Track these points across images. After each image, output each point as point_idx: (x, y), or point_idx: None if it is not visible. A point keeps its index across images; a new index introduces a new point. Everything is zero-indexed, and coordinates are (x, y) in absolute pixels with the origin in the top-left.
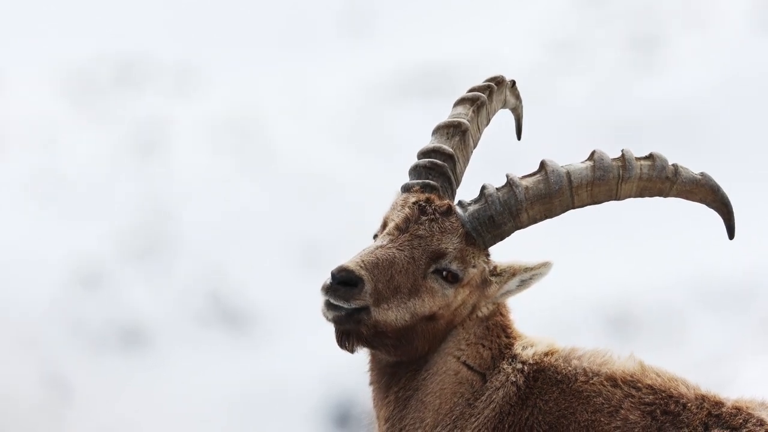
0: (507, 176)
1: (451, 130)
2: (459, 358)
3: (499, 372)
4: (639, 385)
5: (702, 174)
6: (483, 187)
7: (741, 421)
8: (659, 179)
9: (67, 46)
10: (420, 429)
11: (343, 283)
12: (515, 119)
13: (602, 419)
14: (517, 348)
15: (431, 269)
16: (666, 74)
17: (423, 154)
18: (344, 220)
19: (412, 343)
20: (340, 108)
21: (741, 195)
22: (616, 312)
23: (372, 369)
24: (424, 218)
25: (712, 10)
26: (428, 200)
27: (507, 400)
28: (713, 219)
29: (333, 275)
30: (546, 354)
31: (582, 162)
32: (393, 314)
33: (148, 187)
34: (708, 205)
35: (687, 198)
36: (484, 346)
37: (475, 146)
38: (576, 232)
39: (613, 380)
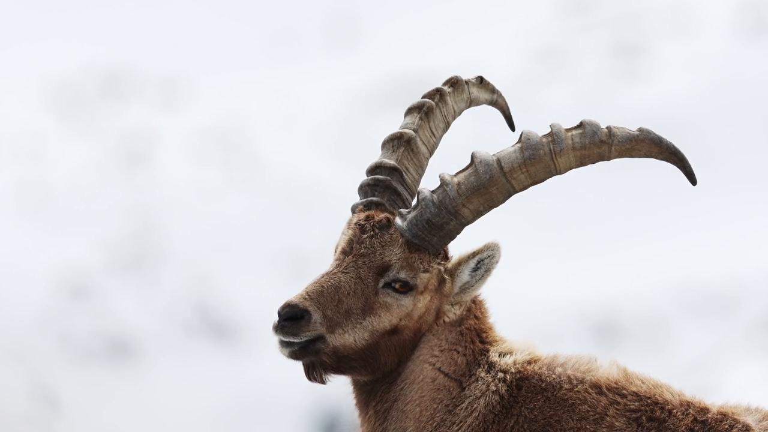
0: (439, 176)
1: (395, 142)
2: (434, 365)
3: (477, 380)
4: (624, 392)
5: (640, 129)
6: (418, 192)
7: (727, 426)
8: (594, 144)
9: (54, 59)
10: None
11: (289, 318)
12: (500, 112)
13: (588, 426)
14: (493, 355)
15: (381, 284)
16: (650, 82)
17: (368, 171)
18: (330, 230)
19: (378, 359)
20: (325, 118)
21: (726, 201)
22: (601, 319)
23: (353, 390)
24: (364, 236)
25: (695, 18)
26: (368, 217)
27: (490, 409)
28: (698, 226)
29: (279, 313)
30: (529, 362)
31: (512, 146)
32: (351, 337)
33: (135, 199)
34: (656, 158)
35: (632, 156)
36: (458, 352)
37: (431, 152)
38: (560, 240)
39: (597, 387)
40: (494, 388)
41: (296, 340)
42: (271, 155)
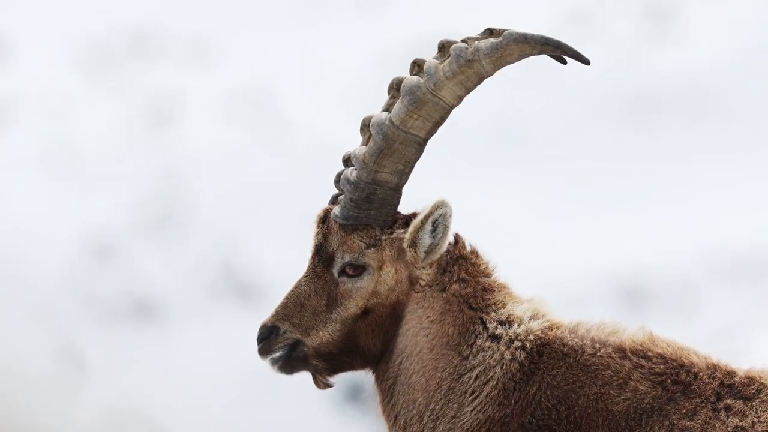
0: (349, 154)
1: (365, 129)
2: (427, 336)
3: (483, 350)
4: (649, 354)
5: (502, 35)
6: (339, 176)
7: (754, 391)
8: (465, 66)
9: (81, 18)
10: (414, 410)
11: (263, 339)
12: (531, 57)
13: (611, 392)
14: (492, 323)
15: (336, 275)
16: (683, 45)
17: (342, 161)
18: None
19: (358, 345)
20: (355, 79)
21: (759, 165)
22: (628, 284)
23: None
24: (314, 234)
25: None
26: (319, 215)
27: (510, 377)
28: (730, 190)
29: (256, 338)
30: (551, 327)
31: (396, 101)
32: (324, 333)
33: (162, 159)
34: (535, 54)
35: (509, 62)
36: (447, 322)
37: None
38: (587, 203)
39: (621, 351)
40: (510, 357)
41: (276, 355)
42: (299, 117)
